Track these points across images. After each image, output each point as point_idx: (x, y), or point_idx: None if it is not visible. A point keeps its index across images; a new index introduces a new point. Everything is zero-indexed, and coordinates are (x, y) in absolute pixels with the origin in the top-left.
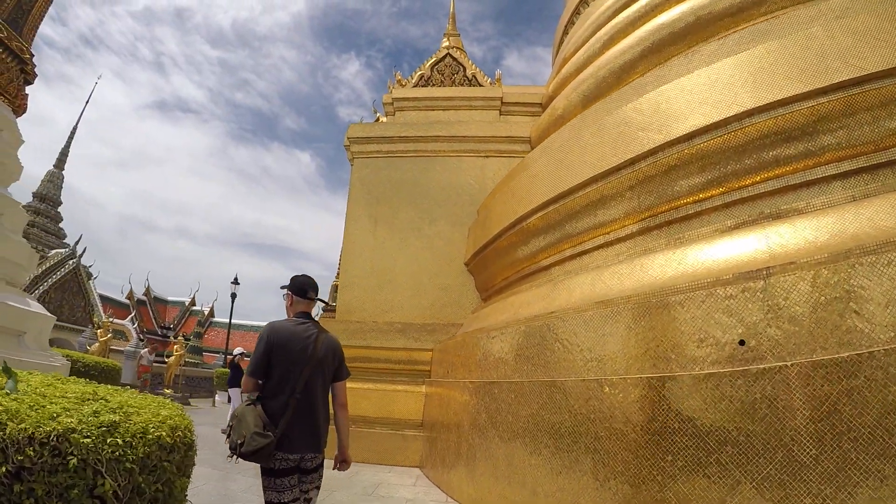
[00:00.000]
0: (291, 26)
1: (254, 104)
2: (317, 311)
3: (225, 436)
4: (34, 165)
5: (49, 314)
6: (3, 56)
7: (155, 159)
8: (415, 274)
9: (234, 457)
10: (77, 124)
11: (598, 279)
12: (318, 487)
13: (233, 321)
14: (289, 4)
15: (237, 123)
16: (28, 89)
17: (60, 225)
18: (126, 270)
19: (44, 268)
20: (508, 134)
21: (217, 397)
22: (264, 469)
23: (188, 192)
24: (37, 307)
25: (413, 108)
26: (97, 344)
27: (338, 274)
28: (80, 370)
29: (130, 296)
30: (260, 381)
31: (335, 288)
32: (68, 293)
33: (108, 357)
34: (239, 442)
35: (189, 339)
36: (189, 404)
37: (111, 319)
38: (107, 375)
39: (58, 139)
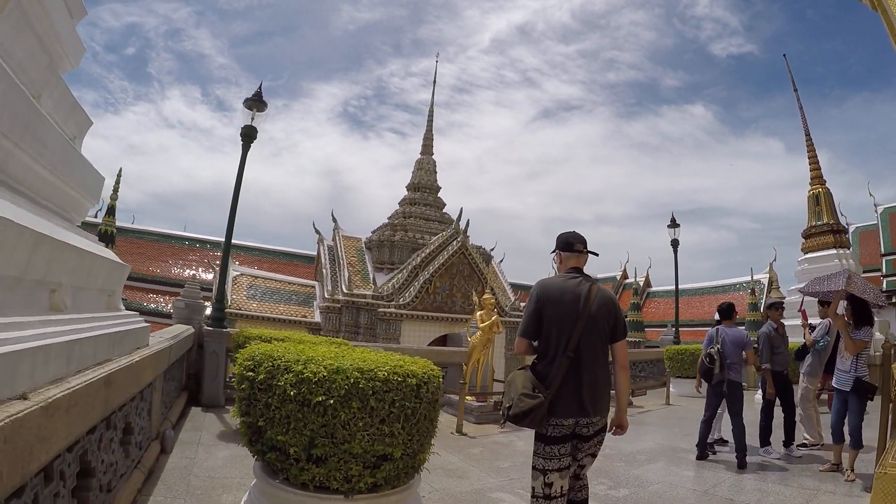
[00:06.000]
0: None
1: (628, 77)
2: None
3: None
4: (456, 199)
5: (103, 255)
6: None
7: (558, 161)
8: None
9: (504, 422)
10: (431, 105)
11: None
12: (593, 455)
13: (672, 287)
14: None
15: (620, 102)
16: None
17: (444, 211)
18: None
19: (423, 254)
20: None
21: (672, 388)
22: (537, 434)
23: (596, 180)
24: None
25: None
26: (478, 332)
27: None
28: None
29: None
30: (534, 343)
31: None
32: (458, 278)
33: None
34: (507, 406)
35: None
36: (631, 404)
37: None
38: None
39: (467, 175)
